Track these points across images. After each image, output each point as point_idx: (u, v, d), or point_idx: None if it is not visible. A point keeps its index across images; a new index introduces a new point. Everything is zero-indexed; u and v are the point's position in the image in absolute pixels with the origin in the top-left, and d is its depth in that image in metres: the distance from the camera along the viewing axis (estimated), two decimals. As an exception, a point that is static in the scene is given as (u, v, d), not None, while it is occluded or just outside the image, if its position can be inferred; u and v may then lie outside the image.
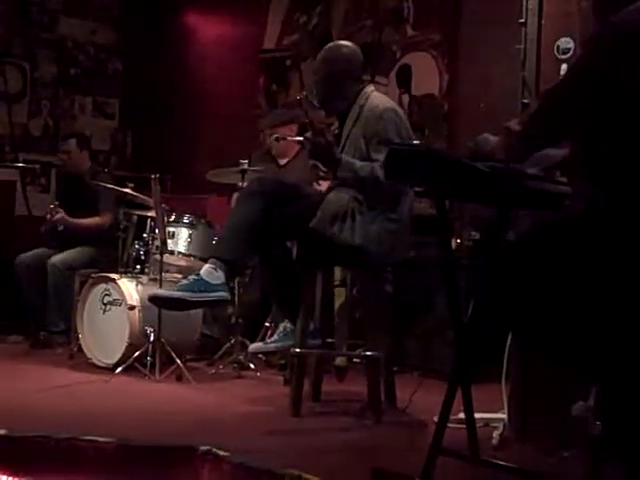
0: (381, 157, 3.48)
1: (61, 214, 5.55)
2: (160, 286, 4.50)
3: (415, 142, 3.91)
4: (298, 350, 3.62)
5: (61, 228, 5.66)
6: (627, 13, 2.12)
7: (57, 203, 5.66)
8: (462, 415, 2.80)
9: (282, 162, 5.30)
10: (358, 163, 3.60)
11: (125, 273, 4.89)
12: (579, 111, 2.16)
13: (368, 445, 3.21)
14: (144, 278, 4.81)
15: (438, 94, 5.72)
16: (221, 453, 2.66)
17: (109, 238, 5.48)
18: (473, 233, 4.83)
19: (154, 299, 3.67)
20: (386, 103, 3.74)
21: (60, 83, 7.46)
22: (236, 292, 4.77)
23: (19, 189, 6.88)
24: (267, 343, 3.95)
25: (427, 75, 5.76)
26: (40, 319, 5.48)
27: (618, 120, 2.09)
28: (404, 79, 5.89)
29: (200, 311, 4.85)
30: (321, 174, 4.20)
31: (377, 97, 3.77)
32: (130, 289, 4.68)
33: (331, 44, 3.94)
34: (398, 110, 3.77)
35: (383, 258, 3.63)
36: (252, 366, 4.70)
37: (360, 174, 3.57)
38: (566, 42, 3.30)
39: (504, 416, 3.27)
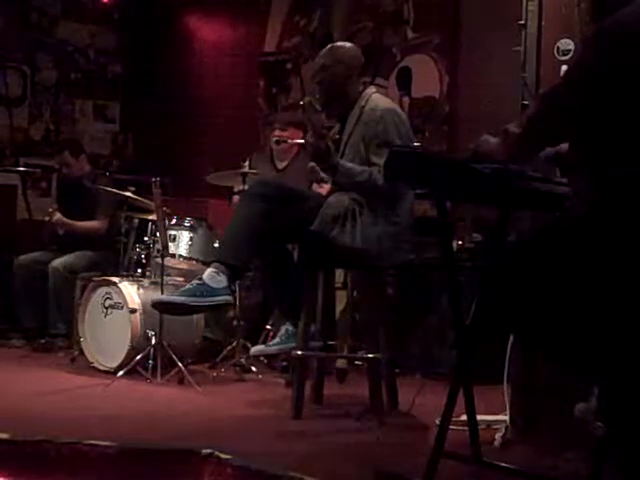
0: (380, 161, 3.44)
1: (59, 215, 5.55)
2: (161, 290, 4.51)
3: (415, 144, 3.91)
4: (300, 352, 3.62)
5: (62, 232, 5.67)
6: (623, 14, 2.12)
7: (56, 206, 5.66)
8: (464, 417, 2.80)
9: (281, 166, 5.31)
10: (357, 169, 3.57)
11: (126, 277, 4.90)
12: (577, 113, 2.16)
13: (370, 448, 3.20)
14: (145, 281, 4.81)
15: (438, 96, 5.73)
16: (223, 456, 2.66)
17: (109, 242, 5.50)
18: (475, 235, 4.83)
19: (157, 304, 3.67)
20: (386, 104, 3.72)
21: (60, 87, 7.46)
22: (237, 295, 4.77)
23: (20, 193, 6.87)
24: (269, 346, 3.95)
25: (427, 77, 5.78)
26: (40, 322, 5.49)
27: (616, 122, 2.09)
28: (404, 81, 5.90)
29: (202, 314, 4.85)
30: (322, 177, 4.20)
31: (377, 99, 3.74)
32: (131, 293, 4.68)
33: (331, 45, 3.88)
34: (399, 111, 3.74)
35: (384, 260, 3.63)
36: (254, 369, 4.70)
37: (358, 180, 3.55)
38: (566, 43, 3.29)
39: (506, 418, 3.26)
